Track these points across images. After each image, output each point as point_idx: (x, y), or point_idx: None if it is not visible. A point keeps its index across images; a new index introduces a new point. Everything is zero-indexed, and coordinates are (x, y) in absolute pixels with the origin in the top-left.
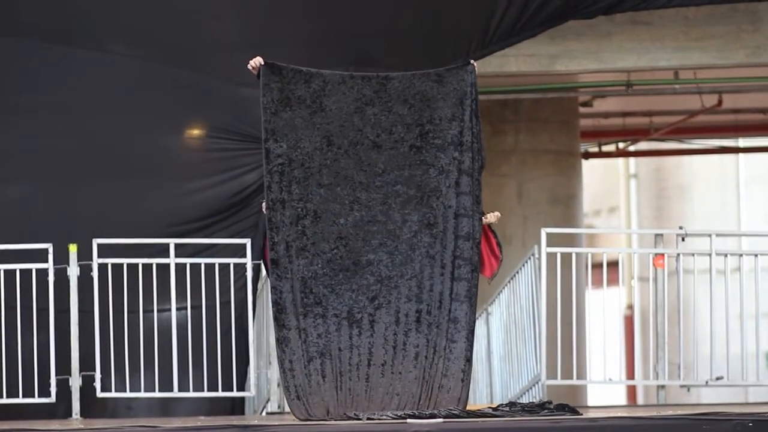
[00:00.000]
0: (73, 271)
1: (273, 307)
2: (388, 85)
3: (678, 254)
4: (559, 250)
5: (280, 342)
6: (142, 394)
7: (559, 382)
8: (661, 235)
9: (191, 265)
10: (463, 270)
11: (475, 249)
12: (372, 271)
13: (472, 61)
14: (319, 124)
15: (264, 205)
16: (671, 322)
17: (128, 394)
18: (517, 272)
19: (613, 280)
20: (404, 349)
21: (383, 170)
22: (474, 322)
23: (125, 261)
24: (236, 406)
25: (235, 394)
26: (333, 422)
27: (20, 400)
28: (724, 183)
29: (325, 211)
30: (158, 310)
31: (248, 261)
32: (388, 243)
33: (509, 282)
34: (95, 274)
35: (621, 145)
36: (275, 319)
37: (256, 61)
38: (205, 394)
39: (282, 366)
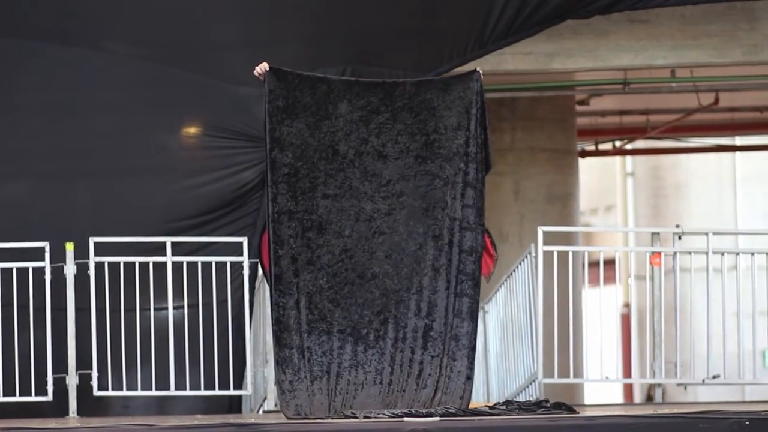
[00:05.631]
0: (70, 270)
1: (274, 325)
2: (394, 92)
3: (675, 253)
4: (555, 248)
5: (280, 363)
6: (139, 393)
7: (555, 380)
8: (658, 233)
9: (188, 263)
10: (465, 285)
11: (477, 263)
12: (377, 285)
13: (478, 69)
14: (324, 132)
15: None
16: (668, 321)
17: (125, 393)
18: (514, 270)
19: (609, 279)
20: (410, 366)
21: (388, 180)
22: (475, 339)
23: (122, 259)
24: (233, 405)
25: (232, 392)
26: (330, 420)
27: (17, 398)
28: (720, 181)
29: (330, 223)
30: (155, 309)
31: (245, 259)
32: (393, 255)
33: (506, 280)
34: (92, 272)
35: (618, 143)
36: (276, 338)
37: (262, 67)
38: (202, 392)
39: (281, 387)
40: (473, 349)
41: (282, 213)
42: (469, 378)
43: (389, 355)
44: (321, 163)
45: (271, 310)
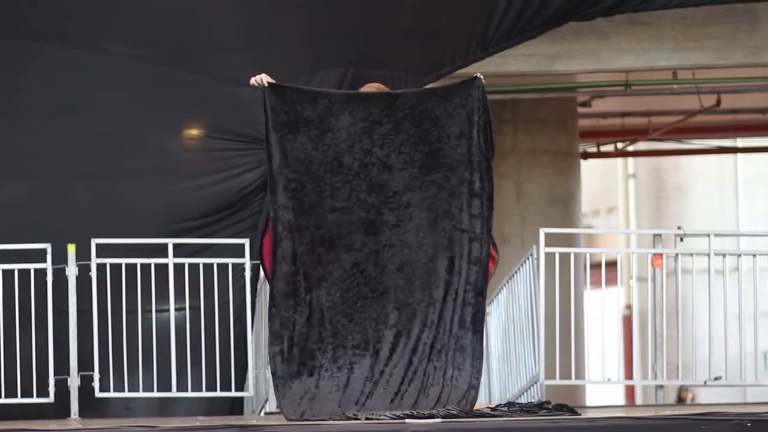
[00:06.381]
0: (72, 271)
1: (278, 344)
2: (395, 102)
3: (676, 254)
4: (557, 250)
5: (286, 379)
6: (141, 394)
7: (557, 382)
8: (660, 235)
9: (190, 265)
10: (470, 295)
11: (483, 273)
12: (390, 299)
13: (478, 75)
14: (328, 144)
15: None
16: (670, 323)
17: (127, 394)
18: (516, 272)
19: (611, 280)
20: (415, 378)
21: (395, 192)
22: (481, 349)
23: (124, 261)
24: (235, 406)
25: (233, 394)
26: (331, 422)
27: (18, 400)
28: (722, 183)
29: (340, 237)
30: (157, 311)
31: (247, 261)
32: (405, 269)
33: (508, 282)
34: (94, 274)
35: (620, 145)
36: (280, 356)
37: (262, 79)
38: (204, 394)
39: (282, 405)
40: (480, 359)
41: (290, 229)
42: (474, 387)
43: (402, 368)
44: (327, 177)
45: (276, 326)
